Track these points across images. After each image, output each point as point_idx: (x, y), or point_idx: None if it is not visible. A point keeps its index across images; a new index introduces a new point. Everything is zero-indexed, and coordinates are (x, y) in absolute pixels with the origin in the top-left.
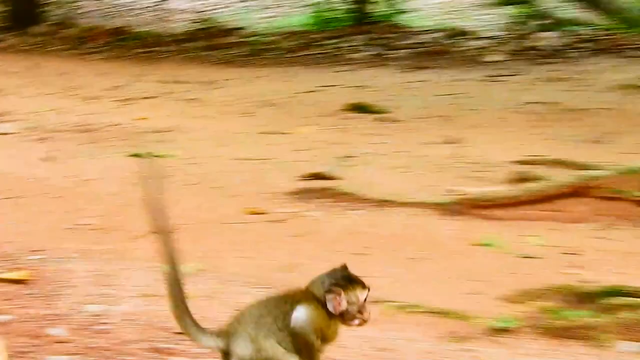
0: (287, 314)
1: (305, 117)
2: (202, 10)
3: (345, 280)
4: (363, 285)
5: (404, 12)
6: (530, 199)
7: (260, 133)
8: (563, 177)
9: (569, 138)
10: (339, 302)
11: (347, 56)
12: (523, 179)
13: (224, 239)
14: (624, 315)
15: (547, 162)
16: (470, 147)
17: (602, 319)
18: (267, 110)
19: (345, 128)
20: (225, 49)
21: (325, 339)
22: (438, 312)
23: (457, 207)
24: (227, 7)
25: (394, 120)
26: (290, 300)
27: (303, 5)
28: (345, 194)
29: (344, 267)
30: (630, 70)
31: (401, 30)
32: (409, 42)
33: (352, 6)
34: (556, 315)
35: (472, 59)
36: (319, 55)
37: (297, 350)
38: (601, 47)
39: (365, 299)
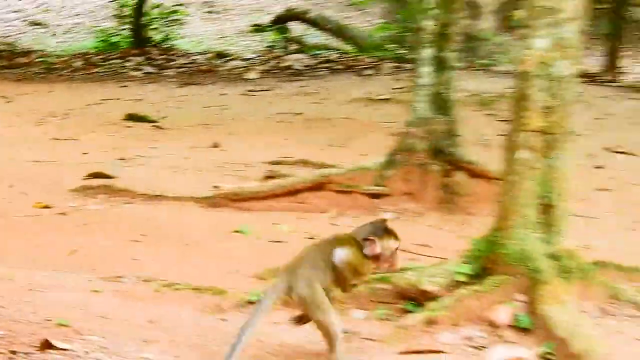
0: (331, 254)
1: (91, 126)
2: (4, 35)
3: (381, 230)
4: (396, 237)
5: (178, 37)
6: (279, 193)
7: (52, 139)
8: (307, 175)
9: (313, 142)
10: (374, 247)
11: (129, 74)
12: (274, 176)
13: (15, 229)
14: (356, 288)
15: (294, 162)
16: (231, 150)
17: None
18: (59, 120)
19: (125, 135)
20: (23, 68)
21: (359, 274)
22: (200, 289)
23: (218, 200)
24: (27, 32)
25: (167, 128)
26: (334, 243)
27: (92, 31)
28: (123, 190)
29: (384, 221)
30: (363, 87)
31: (175, 52)
32: (182, 62)
33: (133, 32)
34: None
35: (235, 77)
36: (104, 73)
37: (336, 281)
38: (341, 67)
39: (396, 249)
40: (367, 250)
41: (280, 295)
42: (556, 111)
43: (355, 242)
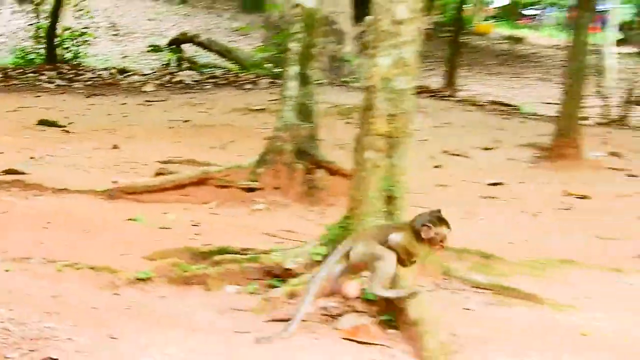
0: (387, 237)
1: (8, 130)
2: None
3: (436, 218)
4: (448, 225)
5: (86, 56)
6: (168, 187)
7: None
8: (191, 172)
9: (199, 145)
10: (429, 233)
11: (42, 86)
12: (164, 173)
13: None
14: (229, 267)
15: (182, 161)
16: (129, 151)
17: (214, 270)
18: None
19: (37, 138)
20: None
21: (412, 255)
22: (98, 268)
23: (115, 193)
24: None
25: (74, 132)
26: (392, 228)
27: (12, 50)
28: (33, 184)
29: (439, 210)
30: (243, 99)
31: (83, 68)
32: (89, 76)
33: (47, 51)
34: (182, 268)
35: (134, 89)
36: (21, 85)
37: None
38: (225, 82)
39: (447, 234)
40: (424, 234)
41: (342, 254)
42: (397, 118)
43: (410, 228)
